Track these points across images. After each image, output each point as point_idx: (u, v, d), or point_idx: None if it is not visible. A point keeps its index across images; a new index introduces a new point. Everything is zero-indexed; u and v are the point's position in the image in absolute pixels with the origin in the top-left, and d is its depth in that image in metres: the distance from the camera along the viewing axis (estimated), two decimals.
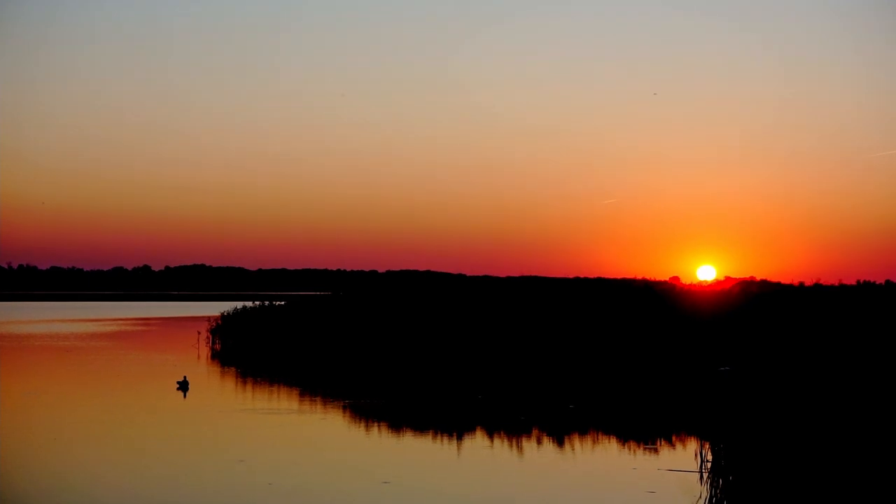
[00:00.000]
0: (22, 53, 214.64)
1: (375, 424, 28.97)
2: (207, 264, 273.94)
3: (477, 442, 26.18)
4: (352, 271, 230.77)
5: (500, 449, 25.12)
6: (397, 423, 29.22)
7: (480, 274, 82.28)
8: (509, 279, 71.55)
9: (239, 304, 69.28)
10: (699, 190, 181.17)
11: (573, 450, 25.09)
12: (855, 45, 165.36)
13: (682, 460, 23.38)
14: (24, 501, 19.19)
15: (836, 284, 54.44)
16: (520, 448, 25.17)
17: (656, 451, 25.09)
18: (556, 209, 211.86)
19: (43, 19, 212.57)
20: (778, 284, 61.01)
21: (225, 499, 19.53)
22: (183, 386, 37.37)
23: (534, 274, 73.44)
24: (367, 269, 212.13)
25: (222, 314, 67.09)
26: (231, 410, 31.77)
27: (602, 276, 69.32)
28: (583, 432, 27.96)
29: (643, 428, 29.24)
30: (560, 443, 26.04)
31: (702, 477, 20.75)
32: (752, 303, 49.53)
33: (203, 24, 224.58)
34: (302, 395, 36.08)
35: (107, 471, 22.04)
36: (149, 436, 26.92)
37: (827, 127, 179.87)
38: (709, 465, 20.34)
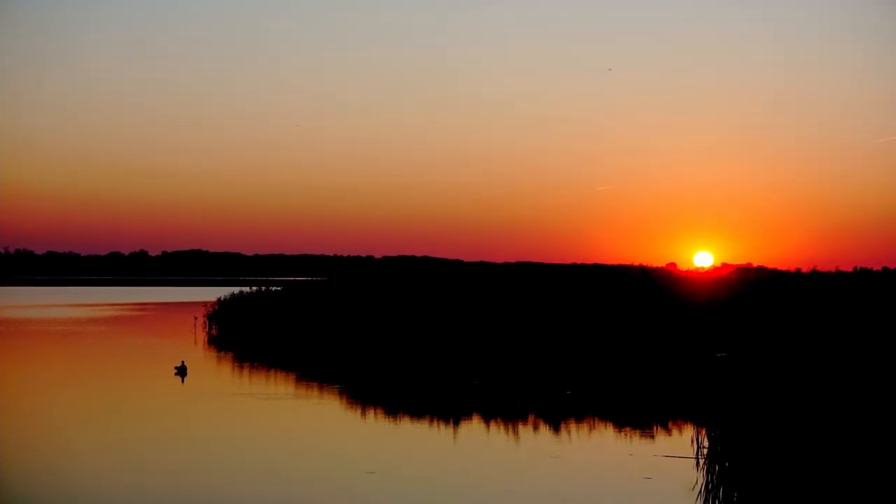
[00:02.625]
0: (20, 38, 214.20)
1: (372, 410, 28.99)
2: (204, 249, 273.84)
3: (473, 428, 26.21)
4: (348, 257, 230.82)
5: (497, 435, 25.15)
6: (394, 409, 29.25)
7: (477, 260, 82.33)
8: (506, 265, 71.60)
9: (236, 290, 69.32)
10: (696, 176, 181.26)
11: (569, 436, 25.13)
12: (853, 29, 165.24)
13: (678, 446, 23.42)
14: (20, 487, 19.20)
15: (833, 271, 54.48)
16: (516, 434, 25.21)
17: (652, 436, 25.14)
18: (552, 195, 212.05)
19: (42, 4, 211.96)
20: (775, 271, 61.02)
21: (225, 484, 19.55)
22: (181, 371, 37.37)
23: (530, 260, 73.49)
24: (363, 254, 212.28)
25: (219, 299, 67.12)
26: (229, 396, 31.81)
27: (599, 262, 69.37)
28: (579, 418, 28.00)
29: (639, 414, 29.29)
30: (556, 429, 26.07)
31: (698, 463, 20.77)
32: (749, 289, 49.54)
33: (201, 10, 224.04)
34: (299, 380, 36.10)
35: (105, 457, 22.05)
36: (148, 422, 26.94)
37: (824, 113, 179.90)
38: (705, 451, 20.36)
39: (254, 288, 68.95)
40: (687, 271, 67.64)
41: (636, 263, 64.92)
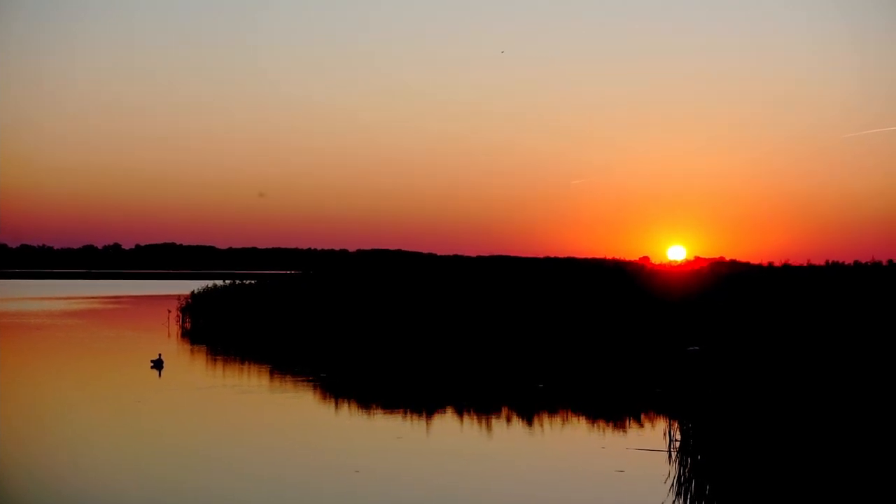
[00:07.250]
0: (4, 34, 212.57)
1: (346, 402, 29.07)
2: (178, 243, 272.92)
3: (446, 422, 26.32)
4: (322, 250, 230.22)
5: (470, 428, 25.26)
6: (368, 402, 29.33)
7: (451, 253, 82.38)
8: (480, 258, 71.76)
9: (209, 283, 69.12)
10: (670, 171, 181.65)
11: (542, 429, 25.27)
12: (824, 22, 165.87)
13: (650, 440, 23.58)
14: None
15: (805, 265, 54.84)
16: (489, 427, 25.32)
17: (625, 430, 25.30)
18: (525, 189, 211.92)
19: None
20: (747, 265, 61.44)
21: (202, 477, 19.60)
22: (157, 364, 37.34)
23: (504, 253, 73.65)
24: (337, 248, 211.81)
25: (193, 292, 66.92)
26: (206, 389, 31.80)
27: (573, 255, 69.63)
28: (552, 412, 28.14)
29: (612, 407, 29.45)
30: (529, 422, 26.20)
31: (670, 456, 20.97)
32: (722, 283, 49.86)
33: (179, 9, 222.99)
34: (275, 373, 36.12)
35: (82, 450, 22.04)
36: (125, 415, 26.91)
37: (796, 108, 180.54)
38: (677, 444, 20.57)
39: (228, 281, 68.77)
40: (660, 265, 68.06)
41: (610, 257, 65.35)
